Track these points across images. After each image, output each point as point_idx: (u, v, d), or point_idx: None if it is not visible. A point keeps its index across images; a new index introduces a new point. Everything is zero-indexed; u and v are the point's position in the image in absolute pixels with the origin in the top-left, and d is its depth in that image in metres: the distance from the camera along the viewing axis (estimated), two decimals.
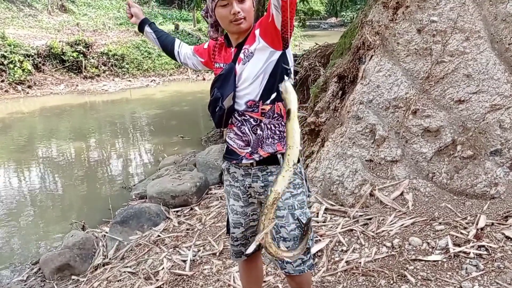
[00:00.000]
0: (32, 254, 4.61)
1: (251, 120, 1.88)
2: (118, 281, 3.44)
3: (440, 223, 3.07)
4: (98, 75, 14.91)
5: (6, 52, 13.14)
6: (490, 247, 2.72)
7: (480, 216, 3.01)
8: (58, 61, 14.45)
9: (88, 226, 4.76)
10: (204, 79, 15.76)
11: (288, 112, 1.64)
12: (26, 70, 13.43)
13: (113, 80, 15.02)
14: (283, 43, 1.78)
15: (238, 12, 1.81)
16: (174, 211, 4.56)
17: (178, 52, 2.30)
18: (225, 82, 1.90)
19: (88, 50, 14.99)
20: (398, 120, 3.60)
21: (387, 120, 3.64)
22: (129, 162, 7.75)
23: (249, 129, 1.90)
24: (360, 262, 2.85)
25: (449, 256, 2.73)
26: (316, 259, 2.97)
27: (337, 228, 3.30)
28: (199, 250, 3.55)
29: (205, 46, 2.17)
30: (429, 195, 3.35)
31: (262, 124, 1.87)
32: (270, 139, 1.88)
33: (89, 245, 4.19)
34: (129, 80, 15.20)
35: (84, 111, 11.77)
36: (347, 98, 3.94)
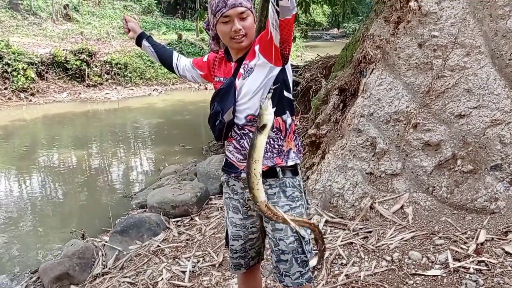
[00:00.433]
0: (32, 262, 4.61)
1: (250, 134, 1.90)
2: None
3: (440, 237, 3.07)
4: (101, 84, 14.98)
5: (10, 60, 13.22)
6: (490, 262, 2.72)
7: (480, 231, 3.01)
8: (61, 69, 14.53)
9: (88, 235, 4.76)
10: (206, 89, 15.81)
11: (263, 127, 1.67)
12: (29, 78, 13.51)
13: (115, 88, 15.09)
14: (282, 59, 1.80)
15: (240, 30, 1.83)
16: (174, 221, 4.56)
17: (176, 65, 2.32)
18: (225, 96, 1.92)
19: (92, 58, 15.08)
20: (398, 134, 3.61)
21: (387, 133, 3.65)
22: (130, 170, 7.77)
23: (248, 143, 1.91)
24: (359, 276, 2.85)
25: (449, 271, 2.72)
26: (315, 272, 2.96)
27: (337, 241, 3.29)
28: (198, 261, 3.55)
29: (205, 59, 2.18)
30: (429, 209, 3.35)
31: None
32: (269, 153, 1.90)
33: (88, 254, 4.18)
34: (132, 89, 15.27)
35: (86, 119, 11.81)
36: (348, 111, 3.96)
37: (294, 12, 1.64)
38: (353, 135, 3.75)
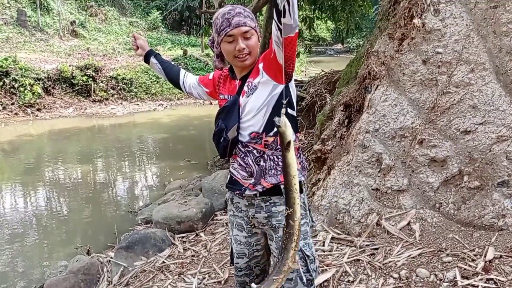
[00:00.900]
0: (37, 277, 4.60)
1: (255, 151, 1.91)
2: None
3: (447, 254, 3.04)
4: (107, 99, 15.11)
5: (17, 75, 13.38)
6: (499, 280, 2.69)
7: (488, 248, 2.98)
8: (67, 85, 14.68)
9: (93, 251, 4.76)
10: (211, 104, 15.88)
11: (288, 144, 1.66)
12: (36, 93, 13.65)
13: (121, 103, 15.20)
14: (286, 77, 1.81)
15: (243, 49, 1.86)
16: (179, 237, 4.55)
17: (183, 82, 2.35)
18: (229, 113, 1.93)
19: (98, 74, 15.23)
20: (404, 150, 3.61)
21: (393, 149, 3.65)
22: (135, 185, 7.78)
23: (252, 161, 1.92)
24: None
25: None
26: None
27: (343, 257, 3.27)
28: (204, 278, 3.53)
29: (210, 76, 2.22)
30: (436, 225, 3.33)
31: (265, 155, 1.90)
32: (273, 170, 1.90)
33: (93, 270, 4.18)
34: (137, 104, 15.38)
35: (92, 134, 11.88)
36: (353, 127, 3.97)
37: (297, 30, 1.66)
38: (359, 151, 3.76)
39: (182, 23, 25.28)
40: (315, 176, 4.34)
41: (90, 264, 4.21)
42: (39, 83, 13.88)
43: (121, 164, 8.99)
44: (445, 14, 3.51)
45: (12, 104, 13.21)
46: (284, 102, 1.70)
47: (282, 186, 1.91)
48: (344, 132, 4.18)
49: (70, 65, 14.95)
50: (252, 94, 1.88)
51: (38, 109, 13.59)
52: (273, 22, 1.66)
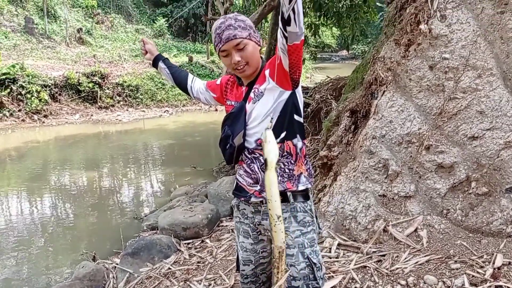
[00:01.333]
0: (42, 284, 4.60)
1: (261, 158, 1.90)
2: None
3: (455, 261, 3.01)
4: (113, 105, 15.20)
5: (24, 82, 13.50)
6: (508, 287, 2.66)
7: (496, 255, 2.95)
8: (74, 91, 14.79)
9: (99, 257, 4.75)
10: (216, 110, 15.95)
11: (264, 162, 1.65)
12: (42, 100, 13.75)
13: (127, 110, 15.28)
14: (292, 83, 1.81)
15: (238, 62, 1.85)
16: (185, 243, 4.54)
17: (191, 87, 2.36)
18: (235, 120, 1.93)
19: (104, 81, 15.33)
20: (411, 156, 3.59)
21: (400, 155, 3.63)
22: (141, 192, 7.79)
23: (258, 167, 1.91)
24: None
25: None
26: None
27: (350, 264, 3.25)
28: (210, 284, 3.51)
29: (218, 82, 2.22)
30: (443, 232, 3.30)
31: None
32: (279, 177, 1.89)
33: (99, 276, 4.17)
34: (143, 111, 15.45)
35: (98, 141, 11.93)
36: (360, 133, 3.96)
37: (303, 38, 1.66)
38: (365, 157, 3.74)
39: (188, 30, 25.43)
40: (321, 182, 4.33)
41: (96, 270, 4.20)
42: (46, 90, 13.99)
43: (126, 171, 9.01)
44: (452, 19, 3.51)
45: (19, 110, 13.32)
46: (273, 117, 1.71)
47: (288, 193, 1.90)
48: (351, 138, 4.16)
49: (76, 72, 15.07)
50: (258, 100, 1.87)
51: (45, 116, 13.68)
52: (279, 29, 1.66)
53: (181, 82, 2.39)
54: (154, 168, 9.42)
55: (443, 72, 3.52)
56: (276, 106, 1.84)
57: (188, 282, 3.63)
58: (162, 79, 16.65)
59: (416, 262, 3.08)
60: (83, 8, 22.09)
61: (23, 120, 13.19)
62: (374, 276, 3.05)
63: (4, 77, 13.19)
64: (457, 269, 2.94)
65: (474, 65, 3.43)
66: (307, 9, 9.89)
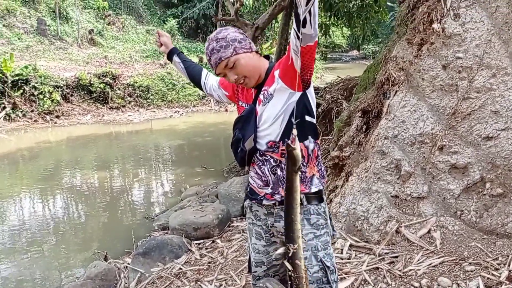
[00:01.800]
0: (55, 283, 4.63)
1: (271, 160, 1.88)
2: None
3: (470, 263, 2.97)
4: (124, 106, 15.29)
5: (37, 83, 13.63)
6: None
7: (511, 256, 2.91)
8: (85, 92, 14.90)
9: (111, 257, 4.78)
10: (226, 111, 15.97)
11: (299, 168, 1.59)
12: (55, 101, 13.87)
13: (138, 110, 15.36)
14: (303, 84, 1.78)
15: (236, 80, 1.86)
16: (196, 243, 4.54)
17: (204, 83, 2.34)
18: (246, 123, 1.92)
19: (115, 81, 15.42)
20: (424, 156, 3.55)
21: (412, 155, 3.60)
22: (152, 192, 7.82)
23: (268, 170, 1.89)
24: None
25: None
26: None
27: (362, 265, 3.22)
28: (221, 285, 3.51)
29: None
30: (457, 233, 3.26)
31: (282, 164, 1.87)
32: None
33: (111, 276, 4.19)
34: (154, 111, 15.52)
35: (109, 141, 12.01)
36: (372, 133, 3.93)
37: (316, 39, 1.63)
38: (377, 157, 3.71)
39: (198, 30, 25.48)
40: (333, 183, 4.30)
41: (108, 270, 4.22)
42: (58, 91, 14.12)
43: (137, 171, 9.05)
44: (466, 18, 3.46)
45: (32, 111, 13.45)
46: (294, 122, 1.65)
47: (302, 196, 1.87)
48: (362, 138, 4.13)
49: (88, 73, 15.18)
50: (268, 102, 1.84)
51: (57, 116, 13.81)
52: (292, 30, 1.63)
53: (195, 77, 2.37)
54: (164, 168, 9.45)
55: (456, 72, 3.48)
56: (287, 108, 1.82)
57: (199, 283, 3.63)
58: (173, 79, 16.70)
59: (430, 264, 3.05)
60: (94, 9, 22.24)
61: (35, 121, 13.33)
62: (386, 278, 3.02)
63: (17, 78, 13.34)
64: (471, 271, 2.90)
65: (488, 64, 3.38)
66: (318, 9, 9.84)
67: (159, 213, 6.29)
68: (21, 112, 13.26)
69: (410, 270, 3.04)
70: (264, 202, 1.94)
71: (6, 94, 13.07)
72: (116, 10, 23.49)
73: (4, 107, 13.07)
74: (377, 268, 3.15)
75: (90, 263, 4.51)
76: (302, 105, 1.82)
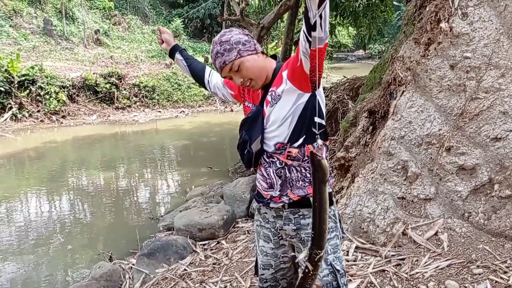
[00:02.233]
0: (60, 283, 4.64)
1: (277, 162, 1.85)
2: None
3: (478, 266, 2.93)
4: (129, 106, 15.32)
5: (43, 83, 13.69)
6: None
7: None
8: (91, 92, 14.94)
9: (115, 257, 4.77)
10: (232, 111, 15.96)
11: (327, 180, 1.52)
12: (61, 101, 13.93)
13: (143, 111, 15.39)
14: (312, 85, 1.74)
15: (242, 83, 1.83)
16: (200, 244, 4.52)
17: (208, 81, 2.29)
18: (252, 125, 1.88)
19: (121, 81, 15.46)
20: (431, 157, 3.51)
21: (419, 156, 3.55)
22: (157, 192, 7.82)
23: (273, 172, 1.86)
24: None
25: None
26: None
27: (368, 268, 3.19)
28: (225, 287, 3.49)
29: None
30: (465, 235, 3.22)
31: (291, 166, 1.84)
32: (300, 182, 1.84)
33: (115, 277, 4.18)
34: (159, 111, 15.54)
35: (115, 141, 12.03)
36: (378, 134, 3.89)
37: (327, 41, 1.60)
38: (384, 159, 3.67)
39: (204, 30, 25.50)
40: (339, 184, 4.27)
41: (112, 270, 4.21)
42: (64, 91, 14.17)
43: (143, 171, 9.06)
44: (474, 17, 3.42)
45: (38, 111, 13.51)
46: (318, 132, 1.60)
47: (312, 199, 1.85)
48: (369, 139, 4.09)
49: (94, 73, 15.23)
50: (276, 103, 1.81)
51: (63, 116, 13.86)
52: (301, 33, 1.60)
53: (198, 75, 2.32)
54: (170, 168, 9.45)
55: (464, 72, 3.43)
56: (295, 109, 1.78)
57: (204, 284, 3.61)
58: (178, 79, 16.71)
59: (437, 267, 3.01)
60: (100, 9, 22.32)
61: (41, 121, 13.38)
62: (393, 281, 2.99)
63: (23, 78, 13.40)
64: (479, 274, 2.86)
65: (497, 64, 3.34)
66: None
67: (164, 214, 6.28)
68: (28, 112, 13.33)
69: (417, 272, 3.01)
70: (272, 205, 1.91)
71: (12, 94, 13.13)
72: (122, 10, 23.56)
73: (11, 107, 13.14)
74: (384, 270, 3.12)
75: (95, 263, 4.51)
76: (311, 107, 1.79)
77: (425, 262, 3.08)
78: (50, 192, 7.70)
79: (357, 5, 9.87)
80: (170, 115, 15.38)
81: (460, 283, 2.80)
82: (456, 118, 3.46)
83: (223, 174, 8.18)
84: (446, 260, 3.06)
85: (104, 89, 14.95)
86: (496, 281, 2.75)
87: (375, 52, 32.93)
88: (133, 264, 4.39)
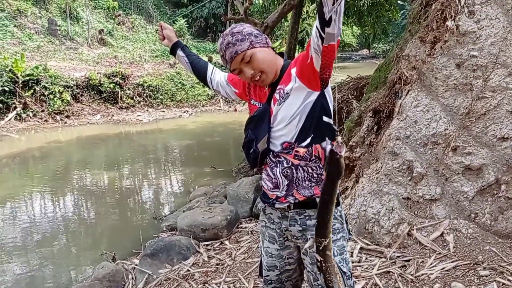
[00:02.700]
0: (63, 282, 4.63)
1: (284, 162, 1.81)
2: None
3: (484, 268, 2.89)
4: (133, 106, 15.33)
5: (47, 83, 13.72)
6: None
7: None
8: (95, 92, 14.96)
9: (119, 257, 4.76)
10: (235, 110, 15.93)
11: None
12: (65, 101, 13.95)
13: (147, 110, 15.40)
14: (321, 83, 1.71)
15: (252, 75, 1.78)
16: (204, 245, 4.49)
17: (210, 78, 2.25)
18: (259, 123, 1.85)
19: (125, 81, 15.47)
20: (437, 157, 3.46)
21: (425, 156, 3.51)
22: (160, 192, 7.80)
23: (280, 172, 1.83)
24: None
25: None
26: None
27: (373, 269, 3.15)
28: (228, 287, 3.46)
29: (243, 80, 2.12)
30: (471, 237, 3.17)
31: (298, 166, 1.80)
32: (307, 182, 1.81)
33: (118, 277, 4.16)
34: (163, 111, 15.55)
35: (119, 141, 12.04)
36: (383, 133, 3.85)
37: (339, 38, 1.57)
38: (389, 158, 3.63)
39: (208, 30, 25.51)
40: (343, 184, 4.22)
41: (115, 271, 4.19)
42: (68, 91, 14.20)
43: (146, 171, 9.05)
44: (480, 15, 3.37)
45: (42, 111, 13.55)
46: (337, 129, 1.57)
47: (317, 199, 1.81)
48: (373, 139, 4.05)
49: (98, 73, 15.25)
50: (284, 101, 1.77)
51: (67, 116, 13.89)
52: (314, 29, 1.57)
53: (200, 72, 2.28)
54: (173, 168, 9.43)
55: (471, 71, 3.38)
56: (304, 108, 1.75)
57: (207, 285, 3.58)
58: (182, 79, 16.70)
59: (443, 268, 2.97)
60: (104, 9, 22.35)
61: (46, 121, 13.41)
62: (398, 282, 2.95)
63: (27, 78, 13.44)
64: (486, 276, 2.82)
65: (504, 62, 3.29)
66: None
67: (167, 214, 6.26)
68: (32, 112, 13.36)
69: (423, 274, 2.97)
70: (277, 205, 1.87)
71: (17, 94, 13.18)
72: (126, 10, 23.60)
73: (15, 107, 13.18)
74: (388, 272, 3.08)
75: (98, 263, 4.50)
76: (319, 105, 1.76)
77: (431, 264, 3.04)
78: (54, 191, 7.70)
79: (361, 4, 9.82)
80: (174, 114, 15.38)
81: (467, 285, 2.76)
82: (462, 117, 3.41)
83: (227, 174, 8.15)
84: (452, 262, 3.01)
85: (108, 88, 14.96)
86: (503, 283, 2.70)
87: (379, 52, 32.82)
88: (136, 265, 4.37)
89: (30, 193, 7.65)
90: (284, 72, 1.81)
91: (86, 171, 9.01)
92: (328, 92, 1.78)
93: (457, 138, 3.37)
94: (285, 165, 1.81)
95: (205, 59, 18.79)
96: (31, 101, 13.46)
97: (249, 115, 1.96)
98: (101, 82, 14.91)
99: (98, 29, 20.35)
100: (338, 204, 1.87)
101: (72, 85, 14.41)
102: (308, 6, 11.90)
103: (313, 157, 1.79)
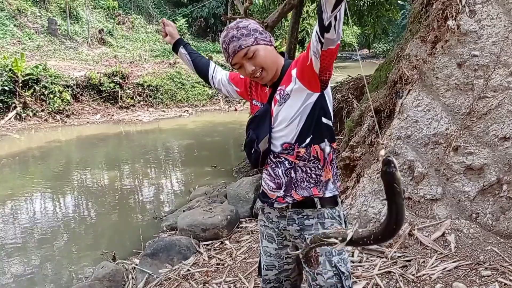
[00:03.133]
0: (64, 282, 4.62)
1: (286, 162, 1.81)
2: None
3: (486, 268, 2.88)
4: (133, 105, 15.32)
5: (47, 83, 13.71)
6: None
7: None
8: (95, 92, 14.95)
9: (119, 257, 4.75)
10: (236, 110, 15.92)
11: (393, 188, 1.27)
12: (65, 100, 13.95)
13: (147, 110, 15.39)
14: (321, 85, 1.71)
15: (253, 71, 1.77)
16: (204, 245, 4.49)
17: (212, 77, 2.24)
18: (260, 123, 1.84)
19: (125, 81, 15.46)
20: (438, 157, 3.46)
21: (426, 156, 3.50)
22: (160, 191, 7.79)
23: (282, 172, 1.82)
24: None
25: None
26: None
27: (374, 269, 3.14)
28: (229, 287, 3.45)
29: (242, 75, 2.09)
30: (473, 237, 3.16)
31: (296, 166, 1.80)
32: (305, 183, 1.80)
33: (118, 277, 4.15)
34: (163, 110, 15.54)
35: (119, 140, 12.03)
36: (384, 133, 3.84)
37: (339, 42, 1.57)
38: None
39: (208, 30, 25.51)
40: (344, 184, 4.21)
41: (115, 271, 4.18)
42: (68, 90, 14.19)
43: (146, 170, 9.04)
44: (482, 15, 3.36)
45: (42, 110, 13.54)
46: (382, 141, 1.52)
47: (316, 199, 1.81)
48: (374, 138, 4.04)
49: (98, 73, 15.24)
50: (284, 102, 1.77)
51: (67, 116, 13.88)
52: (314, 33, 1.56)
53: (202, 70, 2.27)
54: (173, 168, 9.42)
55: (472, 70, 3.38)
56: (304, 109, 1.75)
57: (207, 285, 3.57)
58: (182, 79, 16.69)
59: (444, 268, 2.96)
60: (104, 9, 22.35)
61: (46, 120, 13.40)
62: (399, 282, 2.94)
63: (27, 77, 13.43)
64: (487, 276, 2.81)
65: (505, 62, 3.28)
66: None
67: (167, 213, 6.25)
68: (32, 111, 13.35)
69: (424, 274, 2.96)
70: (276, 205, 1.87)
71: (17, 93, 13.17)
72: (126, 9, 23.59)
73: (15, 107, 13.17)
74: (389, 272, 3.07)
75: (98, 263, 4.48)
76: (319, 107, 1.75)
77: (432, 264, 3.03)
78: (54, 191, 7.69)
79: (361, 4, 9.80)
80: (174, 114, 15.37)
81: (468, 285, 2.75)
82: (463, 117, 3.40)
83: (227, 174, 8.14)
84: (453, 262, 3.00)
85: (108, 88, 14.95)
86: (505, 284, 2.69)
87: (379, 51, 32.81)
88: (136, 264, 4.37)
89: (30, 192, 7.64)
90: (285, 72, 1.80)
91: (86, 170, 9.00)
92: (328, 93, 1.78)
93: (458, 138, 3.37)
94: (288, 166, 1.80)
95: None
96: (31, 101, 13.45)
97: (250, 114, 1.95)
98: (101, 82, 14.90)
99: (98, 29, 20.34)
100: (336, 204, 1.86)
101: (72, 84, 14.40)
102: (308, 5, 11.88)
103: (312, 158, 1.78)
